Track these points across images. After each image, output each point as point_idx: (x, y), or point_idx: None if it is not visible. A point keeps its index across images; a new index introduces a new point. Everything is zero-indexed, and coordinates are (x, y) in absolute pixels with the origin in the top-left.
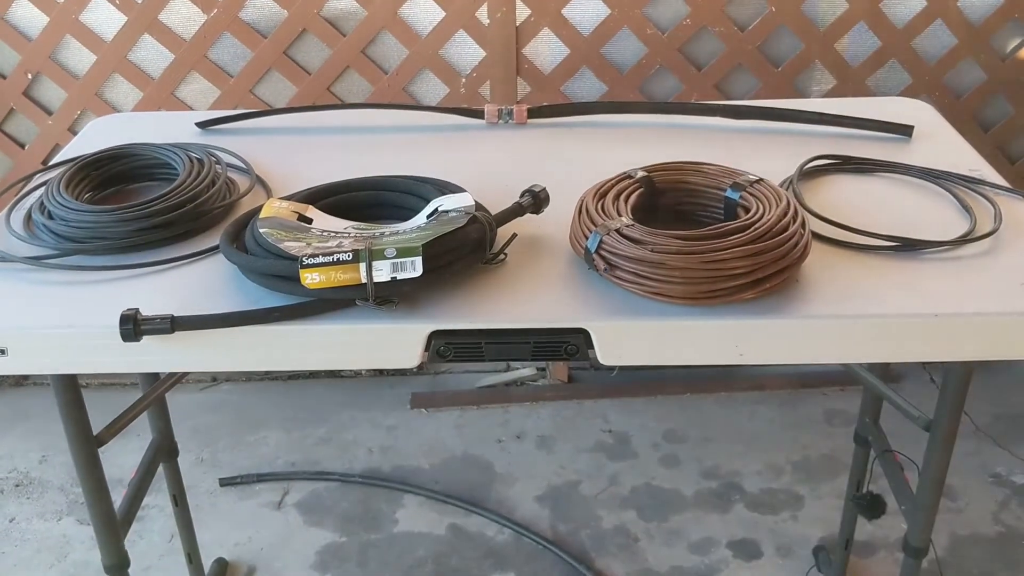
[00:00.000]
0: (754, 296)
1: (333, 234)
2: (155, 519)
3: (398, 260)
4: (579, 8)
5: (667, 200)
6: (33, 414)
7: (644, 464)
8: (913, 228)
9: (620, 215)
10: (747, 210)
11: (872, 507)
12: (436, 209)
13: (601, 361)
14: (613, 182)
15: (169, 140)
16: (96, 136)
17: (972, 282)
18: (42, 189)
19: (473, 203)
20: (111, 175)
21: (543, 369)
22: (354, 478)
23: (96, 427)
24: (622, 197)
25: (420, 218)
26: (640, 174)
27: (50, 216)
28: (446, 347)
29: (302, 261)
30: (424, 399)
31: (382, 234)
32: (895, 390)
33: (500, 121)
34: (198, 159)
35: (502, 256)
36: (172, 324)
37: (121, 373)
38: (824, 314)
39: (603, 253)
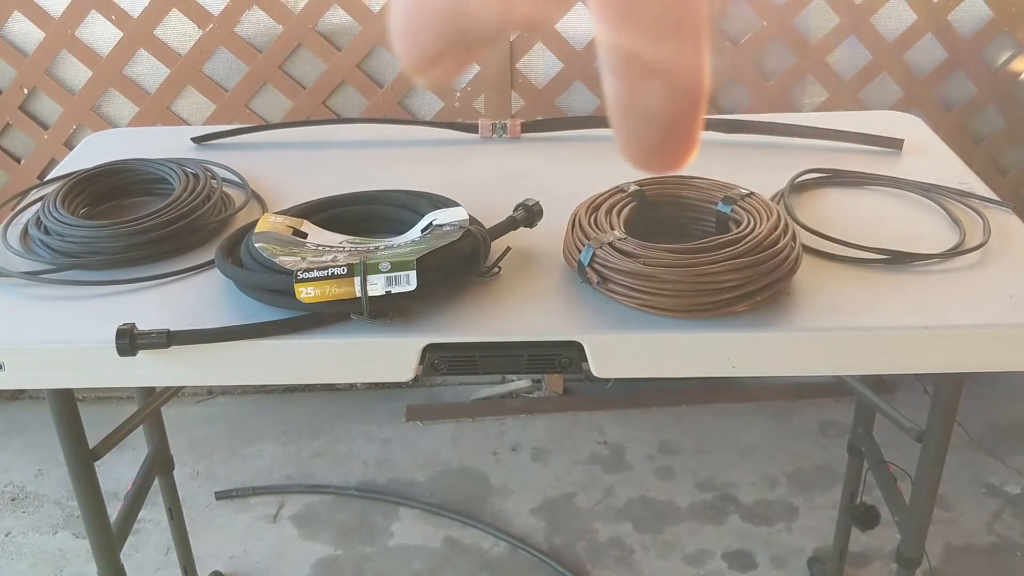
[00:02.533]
0: (746, 309)
1: (328, 248)
2: (151, 532)
3: (392, 274)
4: (572, 23)
5: (660, 214)
6: (29, 428)
7: (639, 476)
8: (903, 241)
9: (613, 228)
10: (738, 223)
11: (866, 518)
12: (430, 223)
13: (594, 374)
14: (606, 196)
15: (165, 155)
16: (92, 151)
17: (961, 294)
18: (38, 204)
19: (467, 217)
20: (107, 190)
21: (538, 381)
22: (349, 491)
23: (92, 441)
24: (615, 211)
25: (414, 232)
26: (633, 188)
27: (46, 231)
28: (440, 360)
29: (297, 275)
30: (419, 412)
31: (376, 248)
32: (889, 400)
33: (494, 135)
34: (193, 174)
35: (496, 270)
36: (168, 339)
37: (117, 387)
38: (815, 327)
39: (596, 266)
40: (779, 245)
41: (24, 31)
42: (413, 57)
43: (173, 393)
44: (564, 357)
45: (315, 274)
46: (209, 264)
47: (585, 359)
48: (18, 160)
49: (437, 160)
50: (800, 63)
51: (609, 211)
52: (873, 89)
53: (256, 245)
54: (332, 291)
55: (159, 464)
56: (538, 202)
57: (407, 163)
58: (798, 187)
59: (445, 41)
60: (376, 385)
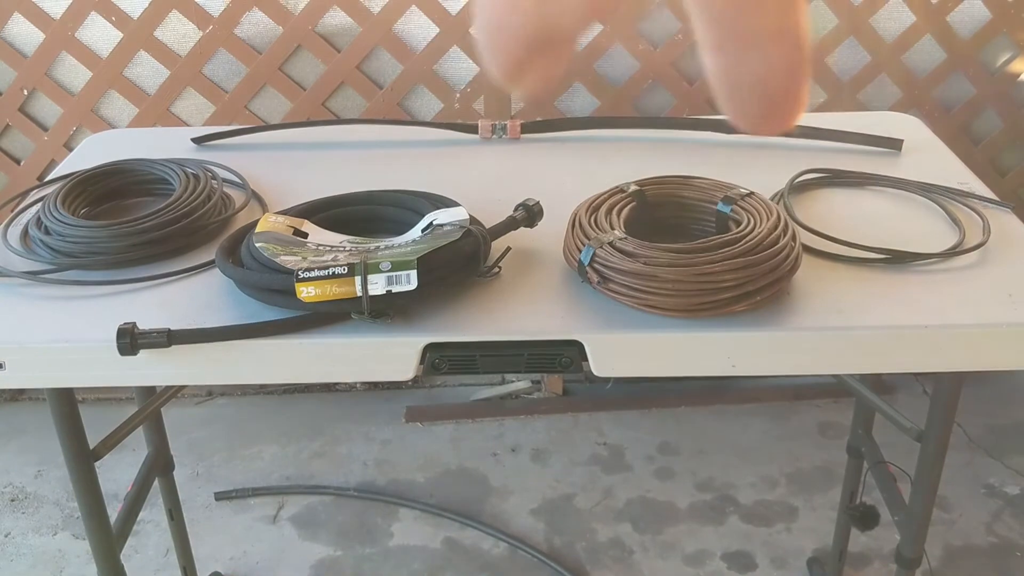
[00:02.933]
0: (745, 308)
1: (328, 248)
2: (150, 534)
3: (393, 273)
4: None
5: (660, 213)
6: (28, 429)
7: (639, 477)
8: (902, 241)
9: (613, 228)
10: (738, 223)
11: (865, 518)
12: (431, 223)
13: (595, 373)
14: (606, 196)
15: (165, 156)
16: (92, 152)
17: (961, 294)
18: (39, 205)
19: (467, 217)
20: (107, 190)
21: (538, 382)
22: (349, 492)
23: (92, 441)
24: (615, 211)
25: (415, 232)
26: (633, 188)
27: (47, 231)
28: (441, 360)
29: (298, 275)
30: (419, 413)
31: (377, 248)
32: (888, 401)
33: (494, 136)
34: (194, 174)
35: (496, 269)
36: (169, 338)
37: (117, 387)
38: (814, 326)
39: (596, 266)
40: (779, 245)
41: (24, 32)
42: (504, 67)
43: (173, 394)
44: (564, 357)
45: (316, 273)
46: (210, 264)
47: (585, 359)
48: (18, 161)
49: (437, 160)
50: None
51: (609, 211)
52: (872, 90)
53: (257, 245)
54: (333, 290)
55: (159, 465)
56: (538, 202)
57: (407, 164)
58: (798, 187)
59: (531, 45)
60: (376, 386)
